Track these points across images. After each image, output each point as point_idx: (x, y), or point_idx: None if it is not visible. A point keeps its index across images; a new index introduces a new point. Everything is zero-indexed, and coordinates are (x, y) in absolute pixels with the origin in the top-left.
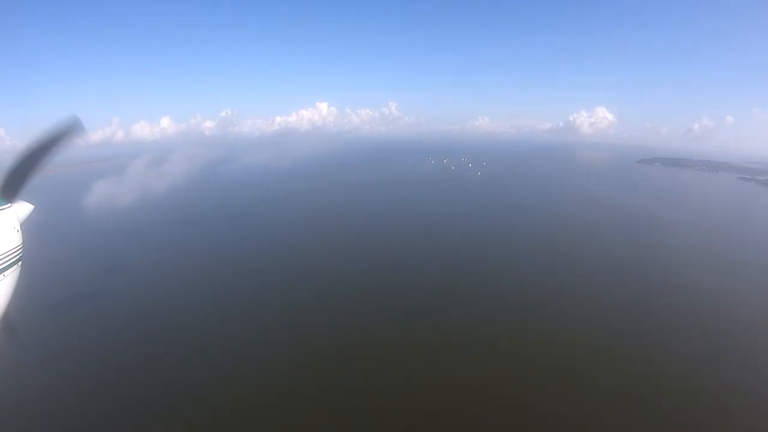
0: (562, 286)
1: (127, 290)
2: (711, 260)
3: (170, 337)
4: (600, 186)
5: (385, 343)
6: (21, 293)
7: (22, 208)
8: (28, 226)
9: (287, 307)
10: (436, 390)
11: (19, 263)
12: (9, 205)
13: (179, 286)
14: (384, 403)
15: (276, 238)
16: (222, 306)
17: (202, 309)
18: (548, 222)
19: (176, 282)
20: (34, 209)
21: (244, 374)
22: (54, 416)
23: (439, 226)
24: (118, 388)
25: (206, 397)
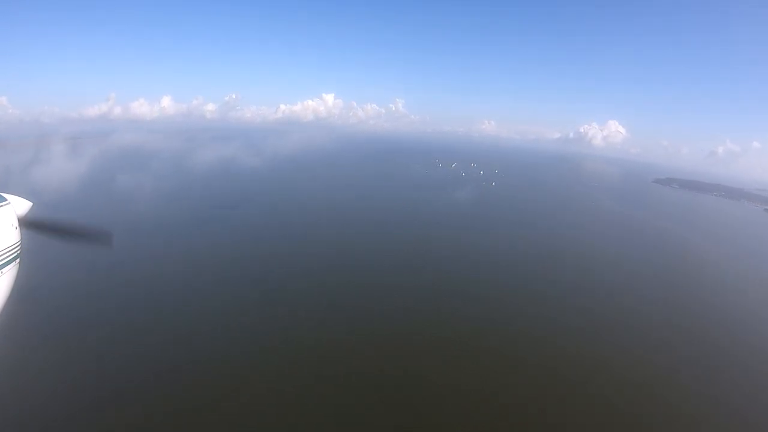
0: (577, 300)
1: (118, 282)
2: (720, 287)
3: (164, 327)
4: (619, 205)
5: (384, 343)
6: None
7: (20, 205)
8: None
9: (286, 302)
10: (435, 389)
11: (18, 260)
12: (7, 202)
13: (172, 279)
14: (380, 400)
15: (270, 234)
16: (217, 299)
17: (197, 299)
18: (564, 238)
19: (169, 275)
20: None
21: (233, 365)
22: (51, 408)
23: (453, 237)
24: (112, 377)
25: (197, 387)
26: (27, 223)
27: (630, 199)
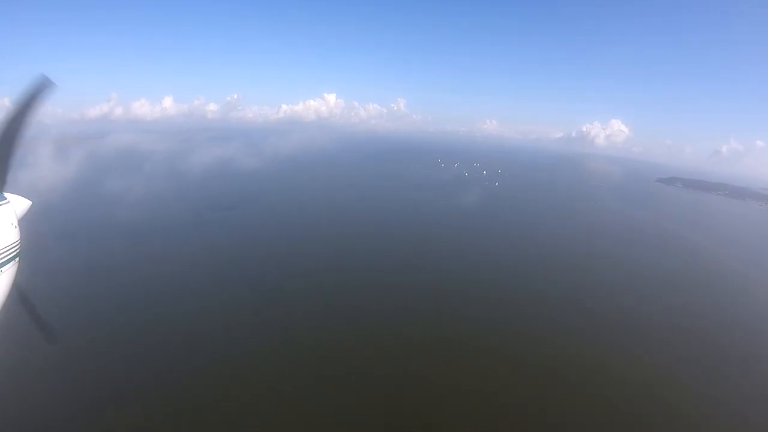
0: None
1: (118, 282)
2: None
3: (164, 327)
4: (623, 205)
5: (384, 343)
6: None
7: (19, 204)
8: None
9: (285, 303)
10: (435, 389)
11: (17, 259)
12: (7, 201)
13: (171, 280)
14: (380, 400)
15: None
16: (216, 300)
17: (197, 299)
18: (567, 238)
19: (169, 275)
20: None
21: (232, 365)
22: (50, 406)
23: (456, 237)
24: (111, 377)
25: (197, 387)
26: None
27: (634, 199)
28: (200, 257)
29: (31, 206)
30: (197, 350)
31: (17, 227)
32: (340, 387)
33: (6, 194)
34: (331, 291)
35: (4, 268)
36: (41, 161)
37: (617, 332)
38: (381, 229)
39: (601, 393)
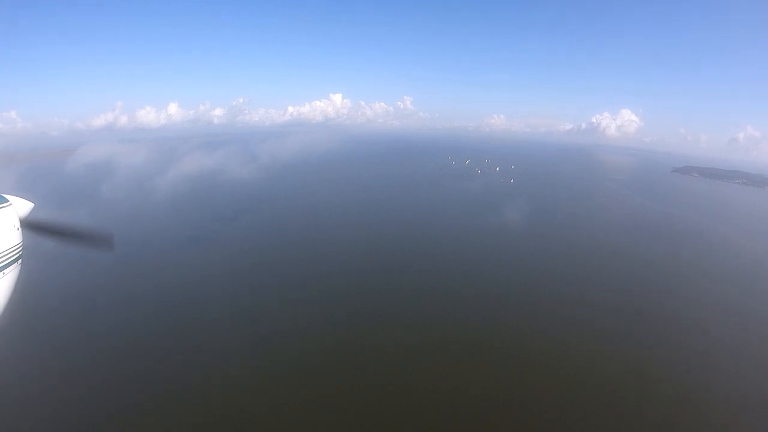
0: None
1: (124, 288)
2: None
3: (168, 335)
4: (643, 198)
5: (385, 344)
6: (20, 291)
7: (22, 206)
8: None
9: (287, 304)
10: (435, 389)
11: (19, 261)
12: (9, 203)
13: (176, 285)
14: (381, 401)
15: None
16: (217, 305)
17: (198, 307)
18: (589, 233)
19: (173, 280)
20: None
21: (236, 372)
22: (52, 413)
23: (470, 237)
24: (116, 385)
25: (200, 395)
26: (29, 225)
27: (651, 191)
28: (202, 263)
29: (33, 208)
30: (199, 359)
31: (20, 229)
32: (341, 388)
33: (8, 196)
34: (334, 294)
35: (6, 271)
36: (35, 174)
37: (636, 330)
38: (393, 232)
39: (601, 393)
